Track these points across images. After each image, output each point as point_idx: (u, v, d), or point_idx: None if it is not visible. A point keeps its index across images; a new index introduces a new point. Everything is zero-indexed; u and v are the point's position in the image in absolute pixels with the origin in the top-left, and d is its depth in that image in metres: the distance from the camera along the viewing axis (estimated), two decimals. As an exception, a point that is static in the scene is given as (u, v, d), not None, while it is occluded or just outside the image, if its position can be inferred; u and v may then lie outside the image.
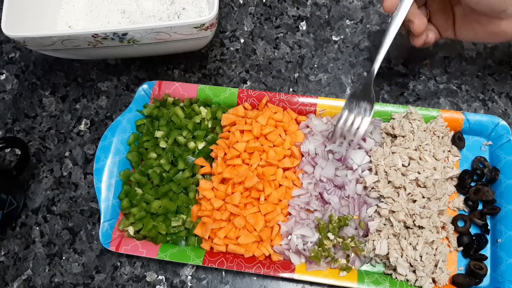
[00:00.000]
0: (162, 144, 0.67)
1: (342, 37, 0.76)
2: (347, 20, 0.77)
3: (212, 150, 0.65)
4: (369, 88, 0.60)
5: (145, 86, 0.69)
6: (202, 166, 0.65)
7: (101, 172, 0.64)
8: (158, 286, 0.63)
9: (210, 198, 0.62)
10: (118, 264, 0.64)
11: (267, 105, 0.68)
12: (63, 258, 0.65)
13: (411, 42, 0.62)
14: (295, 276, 0.58)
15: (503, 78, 0.72)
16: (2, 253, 0.66)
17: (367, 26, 0.77)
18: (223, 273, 0.63)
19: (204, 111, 0.68)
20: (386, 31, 0.59)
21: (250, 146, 0.63)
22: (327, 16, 0.78)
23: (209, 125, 0.67)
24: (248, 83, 0.74)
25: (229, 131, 0.66)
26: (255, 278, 0.62)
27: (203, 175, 0.65)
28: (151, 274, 0.63)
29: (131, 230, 0.62)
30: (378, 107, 0.66)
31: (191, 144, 0.66)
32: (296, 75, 0.74)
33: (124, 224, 0.62)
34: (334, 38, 0.76)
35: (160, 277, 0.63)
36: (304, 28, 0.77)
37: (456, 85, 0.72)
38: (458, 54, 0.74)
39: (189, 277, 0.63)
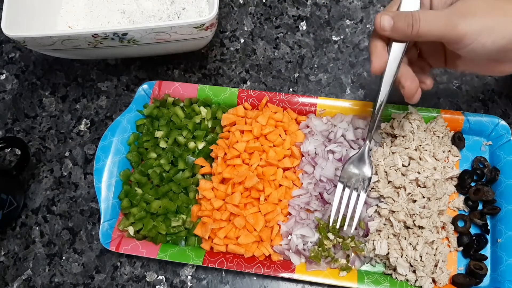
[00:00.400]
0: (162, 144, 0.67)
1: (342, 37, 0.76)
2: (347, 20, 0.77)
3: (212, 150, 0.65)
4: (364, 157, 0.58)
5: (145, 86, 0.69)
6: (202, 166, 0.65)
7: (101, 172, 0.64)
8: (158, 286, 0.63)
9: (210, 198, 0.62)
10: (118, 264, 0.64)
11: (267, 105, 0.68)
12: (63, 258, 0.65)
13: (405, 100, 0.55)
14: (295, 276, 0.58)
15: (503, 78, 0.72)
16: (2, 253, 0.66)
17: (367, 26, 0.77)
18: (223, 273, 0.63)
19: (204, 111, 0.68)
20: (377, 93, 0.55)
21: (250, 146, 0.63)
22: (327, 16, 0.78)
23: (209, 125, 0.67)
24: (248, 83, 0.74)
25: (229, 131, 0.66)
26: (255, 278, 0.62)
27: (203, 175, 0.65)
28: (151, 274, 0.63)
29: (131, 230, 0.62)
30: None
31: (191, 144, 0.66)
32: (296, 75, 0.74)
33: (124, 224, 0.62)
34: (334, 38, 0.76)
35: (160, 277, 0.63)
36: (304, 28, 0.77)
37: (456, 85, 0.72)
38: (458, 54, 0.74)
39: (189, 277, 0.63)
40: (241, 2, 0.80)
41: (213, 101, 0.69)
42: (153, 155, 0.66)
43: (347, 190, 0.57)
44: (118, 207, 0.64)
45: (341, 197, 0.57)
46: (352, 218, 0.57)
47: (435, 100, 0.71)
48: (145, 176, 0.65)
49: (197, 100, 0.69)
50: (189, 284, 0.62)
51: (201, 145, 0.66)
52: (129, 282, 0.63)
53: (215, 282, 0.62)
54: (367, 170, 0.57)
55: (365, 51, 0.75)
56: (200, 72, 0.75)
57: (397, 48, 0.52)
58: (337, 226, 0.58)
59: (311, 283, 0.61)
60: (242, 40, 0.77)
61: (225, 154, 0.64)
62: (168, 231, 0.62)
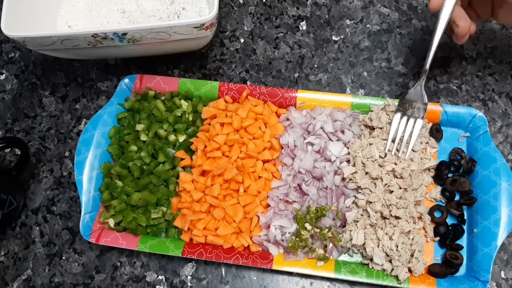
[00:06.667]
0: (143, 137, 0.67)
1: (342, 37, 0.76)
2: (347, 20, 0.77)
3: (192, 143, 0.66)
4: (420, 89, 0.63)
5: (126, 80, 0.70)
6: (182, 159, 0.65)
7: (82, 165, 0.64)
8: (158, 286, 0.63)
9: (190, 190, 0.62)
10: (118, 264, 0.64)
11: (247, 98, 0.68)
12: (63, 258, 0.65)
13: (454, 41, 0.62)
14: (273, 266, 0.58)
15: (503, 78, 0.72)
16: (2, 253, 0.66)
17: (367, 26, 0.77)
18: (223, 273, 0.63)
19: (185, 104, 0.68)
20: (433, 31, 0.60)
21: (230, 138, 0.64)
22: (327, 16, 0.78)
23: (190, 118, 0.68)
24: (248, 83, 0.74)
25: (209, 124, 0.66)
26: (255, 278, 0.62)
27: (183, 167, 0.65)
28: (151, 274, 0.63)
29: (111, 222, 0.62)
30: (357, 99, 0.67)
31: (172, 137, 0.66)
32: (296, 75, 0.74)
33: (105, 216, 0.63)
34: (334, 38, 0.76)
35: (160, 277, 0.63)
36: (304, 28, 0.77)
37: (456, 85, 0.72)
38: (458, 54, 0.74)
39: (189, 277, 0.63)
40: (241, 2, 0.80)
41: (194, 95, 0.69)
42: (134, 148, 0.66)
43: (404, 119, 0.63)
44: (99, 199, 0.64)
45: (399, 124, 0.63)
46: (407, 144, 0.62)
47: (435, 100, 0.71)
48: (126, 168, 0.65)
49: (178, 93, 0.69)
50: (189, 284, 0.62)
51: (181, 138, 0.66)
52: (129, 282, 0.63)
53: (215, 282, 0.62)
54: (423, 99, 0.63)
55: (365, 51, 0.75)
56: (200, 72, 0.75)
57: None
58: (393, 152, 0.62)
59: (290, 273, 0.61)
60: (242, 40, 0.77)
61: (205, 146, 0.65)
62: (148, 223, 0.62)
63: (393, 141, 0.63)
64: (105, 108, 0.68)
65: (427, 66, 0.62)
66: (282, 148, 0.65)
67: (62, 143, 0.72)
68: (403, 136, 0.63)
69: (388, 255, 0.58)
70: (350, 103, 0.67)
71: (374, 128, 0.65)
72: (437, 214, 0.62)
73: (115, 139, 0.67)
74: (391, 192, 0.61)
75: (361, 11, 0.78)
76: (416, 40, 0.75)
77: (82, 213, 0.62)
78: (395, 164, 0.62)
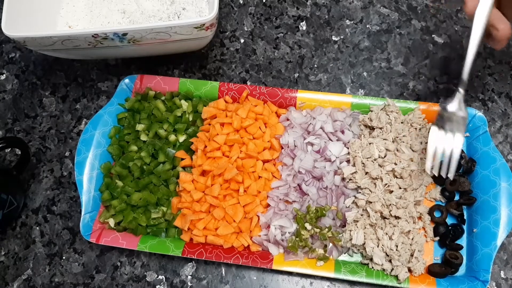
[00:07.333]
0: (143, 137, 0.67)
1: (342, 37, 0.76)
2: (347, 20, 0.77)
3: (192, 143, 0.66)
4: (458, 102, 0.57)
5: (126, 80, 0.70)
6: (182, 159, 0.65)
7: (82, 165, 0.64)
8: (158, 286, 0.63)
9: (190, 190, 0.62)
10: (118, 264, 0.64)
11: (247, 98, 0.68)
12: (63, 258, 0.65)
13: (491, 46, 0.57)
14: (273, 266, 0.58)
15: (503, 78, 0.72)
16: (2, 253, 0.66)
17: (367, 26, 0.77)
18: (223, 273, 0.63)
19: (185, 104, 0.69)
20: (468, 36, 0.55)
21: (230, 138, 0.64)
22: (327, 16, 0.78)
23: (190, 118, 0.68)
24: (248, 83, 0.74)
25: (209, 124, 0.66)
26: (255, 278, 0.62)
27: (183, 167, 0.65)
28: (151, 274, 0.63)
29: (111, 222, 0.62)
30: (357, 99, 0.67)
31: (172, 137, 0.66)
32: (296, 75, 0.74)
33: (105, 216, 0.63)
34: (334, 38, 0.76)
35: (160, 277, 0.63)
36: (304, 28, 0.77)
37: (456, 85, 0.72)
38: (458, 54, 0.74)
39: (189, 277, 0.63)
40: (241, 2, 0.80)
41: (194, 95, 0.69)
42: (134, 148, 0.66)
43: (442, 134, 0.57)
44: (99, 199, 0.64)
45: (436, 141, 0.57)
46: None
47: (435, 100, 0.71)
48: (126, 168, 0.65)
49: (178, 93, 0.69)
50: (189, 284, 0.62)
51: (182, 138, 0.67)
52: (129, 282, 0.63)
53: (215, 282, 0.62)
54: (463, 111, 0.56)
55: (365, 51, 0.75)
56: (200, 72, 0.75)
57: None
58: (436, 173, 0.57)
59: (290, 273, 0.62)
60: (242, 40, 0.77)
61: (206, 146, 0.65)
62: (148, 223, 0.62)
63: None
64: (106, 108, 0.68)
65: (465, 76, 0.56)
66: (282, 148, 0.65)
67: (63, 143, 0.72)
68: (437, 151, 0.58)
69: (388, 255, 0.58)
70: (350, 103, 0.67)
71: (374, 128, 0.65)
72: (436, 214, 0.62)
73: (115, 139, 0.67)
74: (391, 192, 0.61)
75: (361, 11, 0.78)
76: (416, 40, 0.75)
77: (82, 213, 0.62)
78: (395, 164, 0.62)
